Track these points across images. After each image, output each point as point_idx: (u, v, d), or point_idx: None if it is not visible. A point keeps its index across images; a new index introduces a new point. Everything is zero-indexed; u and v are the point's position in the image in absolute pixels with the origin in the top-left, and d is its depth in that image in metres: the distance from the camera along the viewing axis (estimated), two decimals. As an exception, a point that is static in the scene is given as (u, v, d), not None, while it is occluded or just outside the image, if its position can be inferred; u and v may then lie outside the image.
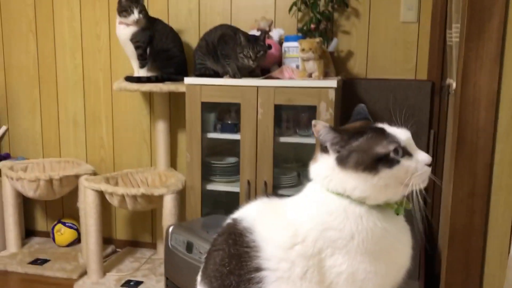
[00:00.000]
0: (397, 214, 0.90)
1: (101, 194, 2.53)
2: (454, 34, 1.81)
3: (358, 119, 0.97)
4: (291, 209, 0.90)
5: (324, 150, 0.91)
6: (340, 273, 0.83)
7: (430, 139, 2.45)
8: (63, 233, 2.99)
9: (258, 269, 0.82)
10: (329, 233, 0.84)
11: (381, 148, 0.85)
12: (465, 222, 1.50)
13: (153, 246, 3.00)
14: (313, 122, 0.89)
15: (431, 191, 2.47)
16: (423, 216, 0.90)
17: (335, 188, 0.88)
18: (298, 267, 0.82)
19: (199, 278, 0.92)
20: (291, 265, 0.82)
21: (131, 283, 2.57)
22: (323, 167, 0.90)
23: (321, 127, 0.88)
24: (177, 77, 2.57)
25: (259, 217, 0.90)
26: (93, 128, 3.01)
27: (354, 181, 0.85)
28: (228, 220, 0.94)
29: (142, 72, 2.58)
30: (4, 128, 3.14)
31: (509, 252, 1.33)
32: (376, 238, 0.84)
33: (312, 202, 0.90)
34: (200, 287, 0.90)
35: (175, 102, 2.83)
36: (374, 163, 0.84)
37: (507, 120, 1.41)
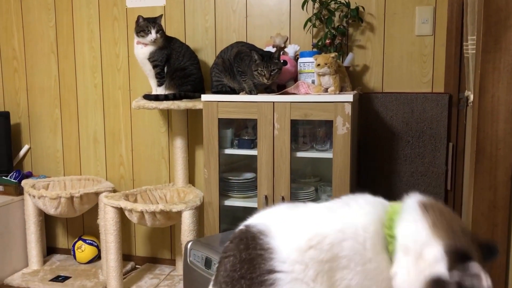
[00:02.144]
0: None
1: (120, 211, 2.56)
2: (470, 46, 1.81)
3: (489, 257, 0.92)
4: (317, 214, 0.91)
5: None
6: (348, 286, 0.83)
7: (449, 151, 2.42)
8: (84, 250, 3.02)
9: (272, 271, 0.82)
10: (348, 243, 0.84)
11: None
12: (487, 235, 1.47)
13: (172, 262, 3.01)
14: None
15: (451, 205, 2.43)
16: None
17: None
18: (311, 270, 0.83)
19: (211, 285, 0.92)
20: (305, 267, 0.83)
21: (151, 300, 2.57)
22: (419, 228, 0.86)
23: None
24: (194, 94, 2.60)
25: (276, 220, 0.91)
26: (112, 145, 3.05)
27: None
28: (240, 227, 0.94)
29: (160, 90, 2.62)
30: (26, 147, 3.21)
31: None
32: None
33: (357, 225, 0.87)
34: None
35: (193, 119, 2.86)
36: None
37: (526, 131, 1.39)
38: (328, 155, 2.30)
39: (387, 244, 0.86)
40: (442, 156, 2.43)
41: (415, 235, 0.84)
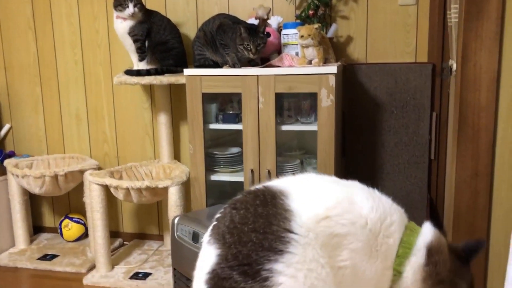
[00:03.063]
0: None
1: (106, 188, 2.55)
2: (453, 15, 1.80)
3: (471, 252, 1.01)
4: (350, 190, 0.92)
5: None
6: (345, 267, 0.86)
7: (432, 121, 2.44)
8: (71, 228, 3.01)
9: (290, 231, 0.84)
10: (366, 233, 0.87)
11: None
12: (469, 202, 1.50)
13: (160, 238, 3.02)
14: None
15: (435, 174, 2.47)
16: None
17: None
18: (320, 239, 0.85)
19: (206, 238, 0.91)
20: (316, 236, 0.85)
21: (140, 275, 2.59)
22: (420, 273, 0.93)
23: None
24: (177, 69, 2.57)
25: (298, 186, 0.92)
26: (95, 123, 3.02)
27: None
28: (257, 186, 0.94)
29: (142, 65, 2.58)
30: (7, 126, 3.15)
31: (513, 231, 1.33)
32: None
33: (378, 208, 0.92)
34: (208, 246, 0.88)
35: (176, 94, 2.83)
36: None
37: (508, 98, 1.40)
38: (313, 127, 2.30)
39: (392, 275, 0.91)
40: (426, 126, 2.45)
41: (412, 283, 0.92)
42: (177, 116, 2.86)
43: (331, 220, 0.86)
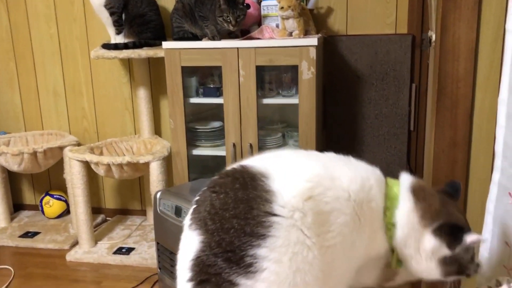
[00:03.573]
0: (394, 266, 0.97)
1: (86, 165, 2.52)
2: (433, -15, 1.79)
3: (450, 194, 1.01)
4: (325, 163, 0.92)
5: (440, 233, 0.91)
6: (334, 244, 0.85)
7: (412, 93, 2.46)
8: (52, 205, 2.99)
9: (270, 214, 0.81)
10: (350, 204, 0.87)
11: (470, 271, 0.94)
12: (447, 172, 1.52)
13: (142, 213, 3.02)
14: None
15: (414, 145, 2.50)
16: None
17: (400, 223, 0.91)
18: (309, 218, 0.83)
19: (188, 222, 0.88)
20: (303, 215, 0.83)
21: (123, 250, 2.60)
22: (413, 215, 0.92)
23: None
24: (155, 42, 2.52)
25: (278, 164, 0.89)
26: (74, 98, 2.96)
27: (422, 257, 0.92)
28: (234, 166, 0.92)
29: (119, 39, 2.52)
30: (-18, 103, 3.08)
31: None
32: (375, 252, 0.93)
33: (361, 178, 0.91)
34: (191, 231, 0.86)
35: (155, 68, 2.78)
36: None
37: (485, 68, 1.41)
38: (294, 100, 2.29)
39: (386, 230, 0.90)
40: (406, 98, 2.47)
41: (410, 228, 0.91)
42: (157, 91, 2.82)
43: (314, 200, 0.84)
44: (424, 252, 0.88)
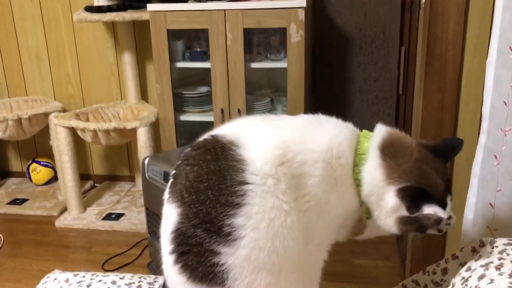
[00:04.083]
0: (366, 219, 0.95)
1: (72, 131, 2.49)
2: None
3: (442, 152, 0.93)
4: (292, 127, 0.90)
5: (403, 195, 0.86)
6: (310, 208, 0.85)
7: (401, 56, 2.44)
8: (39, 172, 2.97)
9: (243, 183, 0.81)
10: (320, 164, 0.85)
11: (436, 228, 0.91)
12: (435, 135, 1.53)
13: (131, 179, 3.02)
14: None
15: (402, 109, 2.50)
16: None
17: (365, 179, 0.88)
18: (283, 183, 0.83)
19: (166, 196, 0.89)
20: (277, 181, 0.83)
21: (112, 216, 2.61)
22: (378, 173, 0.88)
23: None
24: (140, 4, 2.45)
25: (248, 131, 0.88)
26: (57, 63, 2.90)
27: (384, 212, 0.88)
28: (205, 136, 0.91)
29: (102, 1, 2.45)
30: (-37, 68, 3.00)
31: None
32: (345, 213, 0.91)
33: (327, 139, 0.88)
34: (169, 204, 0.87)
35: (140, 31, 2.72)
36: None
37: (475, 31, 1.40)
38: (282, 64, 2.27)
39: (355, 185, 0.89)
40: (395, 61, 2.45)
41: (374, 185, 0.88)
42: (143, 55, 2.77)
43: (286, 165, 0.84)
44: (384, 208, 0.88)
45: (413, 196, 0.85)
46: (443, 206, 0.87)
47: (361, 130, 0.96)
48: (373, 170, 0.87)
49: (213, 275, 0.81)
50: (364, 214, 0.93)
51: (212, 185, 0.82)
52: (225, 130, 0.90)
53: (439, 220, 0.87)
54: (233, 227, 0.80)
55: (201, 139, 0.91)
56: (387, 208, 0.87)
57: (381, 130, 0.93)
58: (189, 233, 0.82)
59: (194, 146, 0.90)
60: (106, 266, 2.22)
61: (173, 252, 0.85)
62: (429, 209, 0.84)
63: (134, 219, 2.56)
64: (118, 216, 2.60)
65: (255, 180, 0.82)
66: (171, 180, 0.89)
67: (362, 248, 2.29)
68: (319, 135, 0.89)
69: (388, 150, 0.89)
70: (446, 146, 0.93)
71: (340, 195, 0.88)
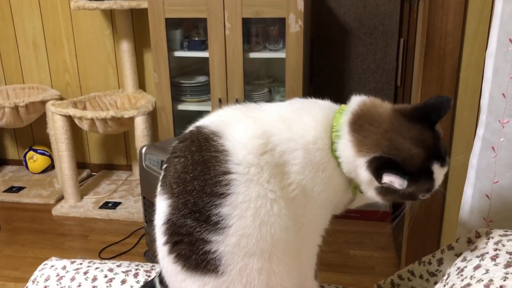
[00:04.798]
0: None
1: (70, 119, 2.49)
2: None
3: (430, 114, 0.86)
4: (271, 117, 0.90)
5: (373, 167, 0.83)
6: (296, 196, 0.85)
7: (400, 47, 2.44)
8: (36, 160, 2.97)
9: (227, 173, 0.82)
10: (300, 152, 0.85)
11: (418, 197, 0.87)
12: (432, 127, 1.53)
13: (128, 168, 3.02)
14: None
15: (401, 100, 2.50)
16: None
17: (342, 155, 0.87)
18: (266, 172, 0.84)
19: (158, 189, 0.90)
20: (260, 170, 0.83)
21: (109, 204, 2.61)
22: (349, 149, 0.86)
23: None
24: (138, -8, 2.44)
25: (230, 121, 0.88)
26: (55, 51, 2.88)
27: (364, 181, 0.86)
28: (190, 128, 0.92)
29: (101, -11, 2.43)
30: (-41, 55, 2.98)
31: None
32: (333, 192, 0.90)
33: (305, 127, 0.87)
34: (160, 197, 0.88)
35: (138, 19, 2.70)
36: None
37: (474, 23, 1.39)
38: (281, 54, 2.26)
39: (338, 164, 0.88)
40: (393, 53, 2.45)
41: (349, 162, 0.86)
42: (140, 44, 2.75)
43: (269, 154, 0.84)
44: (363, 182, 0.88)
45: (378, 167, 0.83)
46: (428, 174, 0.84)
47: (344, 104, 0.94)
48: (345, 147, 0.86)
49: (206, 262, 0.82)
50: (354, 189, 0.92)
51: (197, 176, 0.83)
52: (208, 121, 0.90)
53: (427, 189, 0.85)
54: (220, 216, 0.81)
55: (187, 130, 0.92)
56: (364, 181, 0.87)
57: (353, 103, 0.91)
58: (179, 223, 0.84)
59: (181, 138, 0.90)
60: (102, 254, 2.23)
61: (166, 243, 0.86)
62: (386, 178, 0.81)
63: (131, 208, 2.56)
64: (115, 205, 2.60)
65: (239, 169, 0.82)
66: (162, 173, 0.90)
67: (358, 239, 2.30)
68: (297, 123, 0.88)
69: (356, 124, 0.86)
70: (429, 108, 0.86)
71: (326, 180, 0.88)
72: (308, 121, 0.89)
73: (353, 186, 0.91)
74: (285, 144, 0.86)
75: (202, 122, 0.91)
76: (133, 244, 2.29)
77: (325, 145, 0.88)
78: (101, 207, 2.58)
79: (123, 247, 2.27)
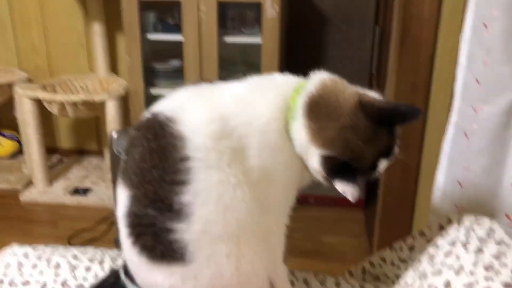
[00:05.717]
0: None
1: (39, 103, 2.41)
2: None
3: (394, 118, 0.83)
4: (227, 100, 0.86)
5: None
6: (258, 180, 0.83)
7: (376, 36, 2.43)
8: (4, 145, 2.87)
9: (185, 159, 0.79)
10: (256, 137, 0.83)
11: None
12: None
13: (100, 153, 2.95)
14: None
15: (375, 88, 2.50)
16: None
17: (295, 136, 0.84)
18: (226, 157, 0.81)
19: (119, 180, 0.86)
20: (220, 155, 0.81)
21: (80, 191, 2.55)
22: (304, 133, 0.83)
23: None
24: (111, -28, 2.36)
25: (185, 105, 0.85)
26: (22, 31, 2.77)
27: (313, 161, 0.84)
28: (146, 115, 0.88)
29: (71, -33, 2.35)
30: None
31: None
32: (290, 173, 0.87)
33: (261, 107, 0.84)
34: (120, 188, 0.85)
35: (111, 0, 2.62)
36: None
37: (449, 11, 1.39)
38: (257, 40, 2.23)
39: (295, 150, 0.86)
40: (369, 41, 2.44)
41: (301, 145, 0.84)
42: (113, 26, 2.67)
43: (227, 138, 0.81)
44: (312, 168, 0.86)
45: (331, 168, 0.82)
46: (373, 168, 0.84)
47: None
48: (300, 130, 0.84)
49: (172, 251, 0.80)
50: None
51: (155, 164, 0.80)
52: (163, 106, 0.86)
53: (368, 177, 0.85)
54: (182, 204, 0.78)
55: (143, 118, 0.88)
56: (313, 168, 0.85)
57: (312, 84, 0.87)
58: (141, 214, 0.81)
59: (137, 127, 0.86)
60: (72, 241, 2.18)
61: (129, 235, 0.83)
62: (340, 187, 0.81)
63: (102, 194, 2.51)
64: (86, 191, 2.55)
65: (197, 155, 0.79)
66: (123, 164, 0.87)
67: (330, 226, 2.31)
68: (252, 104, 0.85)
69: (312, 111, 0.83)
70: (397, 115, 0.82)
71: (285, 161, 0.86)
72: (262, 101, 0.85)
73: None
74: (242, 128, 0.83)
75: (156, 107, 0.87)
76: (103, 231, 2.25)
77: (280, 126, 0.85)
78: (71, 193, 2.52)
79: (94, 234, 2.22)
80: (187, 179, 0.79)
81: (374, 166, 0.84)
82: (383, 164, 0.85)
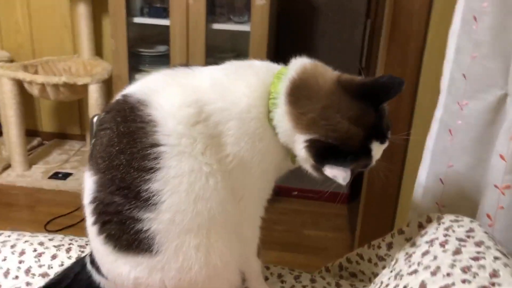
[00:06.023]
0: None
1: (19, 83, 2.34)
2: None
3: (378, 93, 0.78)
4: (203, 85, 0.82)
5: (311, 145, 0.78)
6: (233, 168, 0.80)
7: (366, 28, 2.40)
8: (-18, 126, 2.80)
9: (155, 145, 0.75)
10: (234, 123, 0.79)
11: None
12: (392, 109, 1.50)
13: (82, 137, 2.89)
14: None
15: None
16: None
17: (277, 123, 0.81)
18: (200, 143, 0.77)
19: (86, 166, 0.82)
20: (193, 141, 0.77)
21: (59, 175, 2.49)
22: (286, 120, 0.80)
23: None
24: (97, -49, 2.29)
25: (158, 89, 0.81)
26: (5, 10, 2.69)
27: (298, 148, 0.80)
28: (117, 97, 0.84)
29: None
30: None
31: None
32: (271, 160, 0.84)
33: (239, 93, 0.80)
34: (87, 173, 0.81)
35: (98, -19, 2.56)
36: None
37: (441, 4, 1.36)
38: (245, 28, 2.18)
39: (276, 133, 0.81)
40: (360, 33, 2.41)
41: (285, 134, 0.81)
42: (98, 7, 2.60)
43: (202, 124, 0.78)
44: (299, 157, 0.82)
45: (317, 152, 0.78)
46: (366, 153, 0.79)
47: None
48: (282, 118, 0.80)
49: (138, 242, 0.76)
50: (293, 158, 0.85)
51: (123, 149, 0.76)
52: (135, 88, 0.82)
53: (364, 165, 0.81)
54: (151, 192, 0.75)
55: (114, 100, 0.83)
56: (301, 157, 0.81)
57: (292, 69, 0.83)
58: (107, 202, 0.77)
59: (107, 109, 0.82)
60: (49, 226, 2.13)
61: (95, 223, 0.79)
62: (330, 172, 0.77)
63: (82, 180, 2.45)
64: (66, 175, 2.49)
65: (169, 141, 0.75)
66: (91, 146, 0.82)
67: (314, 219, 2.28)
68: (231, 90, 0.81)
69: (293, 95, 0.80)
70: (379, 87, 0.78)
71: (263, 150, 0.82)
72: (241, 87, 0.81)
73: (292, 155, 0.85)
74: (219, 114, 0.79)
75: (128, 90, 0.83)
76: (81, 217, 2.19)
77: (260, 114, 0.81)
78: (50, 177, 2.47)
79: (71, 220, 2.17)
80: (156, 166, 0.75)
81: (366, 150, 0.79)
82: (376, 148, 0.80)
